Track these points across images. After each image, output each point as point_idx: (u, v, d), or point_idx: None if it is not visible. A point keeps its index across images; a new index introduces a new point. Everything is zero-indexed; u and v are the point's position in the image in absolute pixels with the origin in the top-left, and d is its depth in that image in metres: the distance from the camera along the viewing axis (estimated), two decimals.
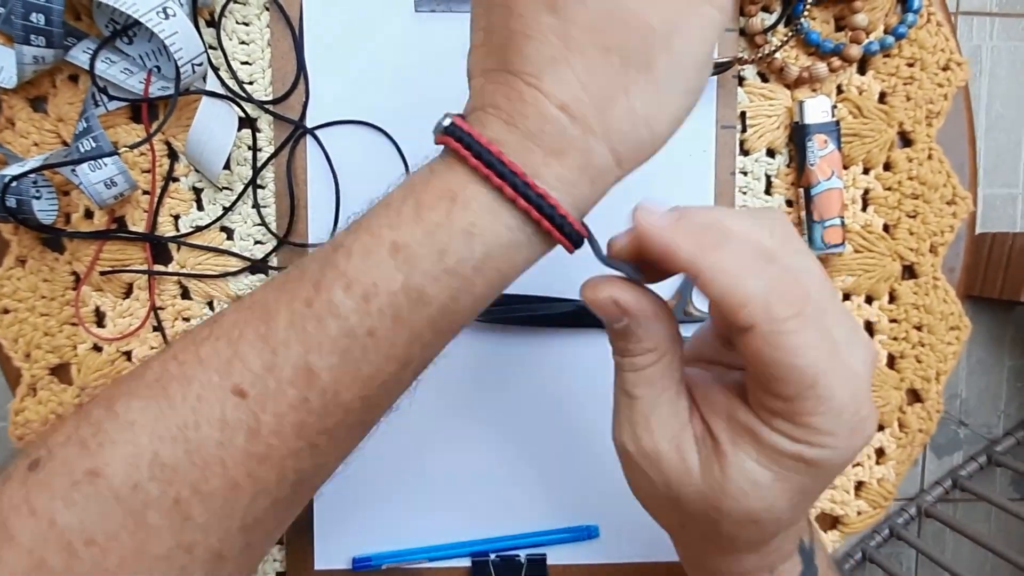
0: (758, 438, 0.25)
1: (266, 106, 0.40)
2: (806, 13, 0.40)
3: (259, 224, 0.40)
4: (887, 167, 0.42)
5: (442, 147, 0.25)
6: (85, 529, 0.23)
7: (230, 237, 0.41)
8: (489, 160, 0.24)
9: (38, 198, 0.38)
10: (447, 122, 0.25)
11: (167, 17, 0.35)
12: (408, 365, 0.26)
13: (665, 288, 0.42)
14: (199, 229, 0.40)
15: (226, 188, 0.40)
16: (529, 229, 0.25)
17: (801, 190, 0.41)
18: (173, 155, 0.40)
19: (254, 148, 0.40)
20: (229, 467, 0.24)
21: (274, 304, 0.25)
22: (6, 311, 0.40)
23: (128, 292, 0.40)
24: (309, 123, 0.40)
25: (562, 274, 0.41)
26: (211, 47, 0.39)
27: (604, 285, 0.27)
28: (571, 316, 0.41)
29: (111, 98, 0.38)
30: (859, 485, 0.44)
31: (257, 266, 0.40)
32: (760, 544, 0.28)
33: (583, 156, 0.25)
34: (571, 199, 0.25)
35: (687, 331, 0.42)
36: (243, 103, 0.39)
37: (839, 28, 0.42)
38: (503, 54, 0.25)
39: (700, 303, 0.42)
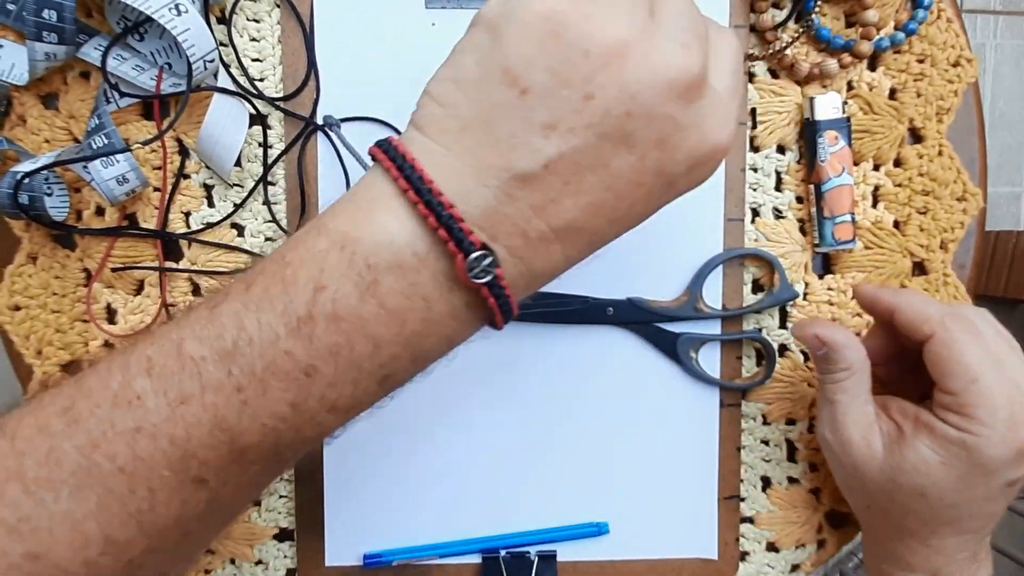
0: (932, 428, 0.34)
1: (278, 103, 0.40)
2: (817, 9, 0.40)
3: (270, 221, 0.40)
4: (897, 163, 0.42)
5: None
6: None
7: (241, 234, 0.41)
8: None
9: (50, 195, 0.38)
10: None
11: (179, 14, 0.35)
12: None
13: (677, 284, 0.42)
14: (210, 226, 0.40)
15: (237, 185, 0.40)
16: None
17: (811, 186, 0.41)
18: (184, 152, 0.40)
19: (265, 145, 0.40)
20: (184, 525, 0.25)
21: (233, 415, 0.24)
22: (18, 308, 0.40)
23: (139, 289, 0.40)
24: (319, 120, 0.40)
25: (573, 271, 0.41)
26: (222, 44, 0.39)
27: (809, 325, 0.37)
28: (583, 313, 0.41)
29: (123, 95, 0.39)
30: None
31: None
32: (928, 529, 0.35)
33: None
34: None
35: (699, 326, 0.42)
36: (254, 100, 0.39)
37: (850, 24, 0.42)
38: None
39: (709, 300, 0.42)
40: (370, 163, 0.26)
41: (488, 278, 0.23)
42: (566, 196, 0.24)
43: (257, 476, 0.26)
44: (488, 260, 0.23)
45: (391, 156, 0.24)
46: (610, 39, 0.23)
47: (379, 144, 0.25)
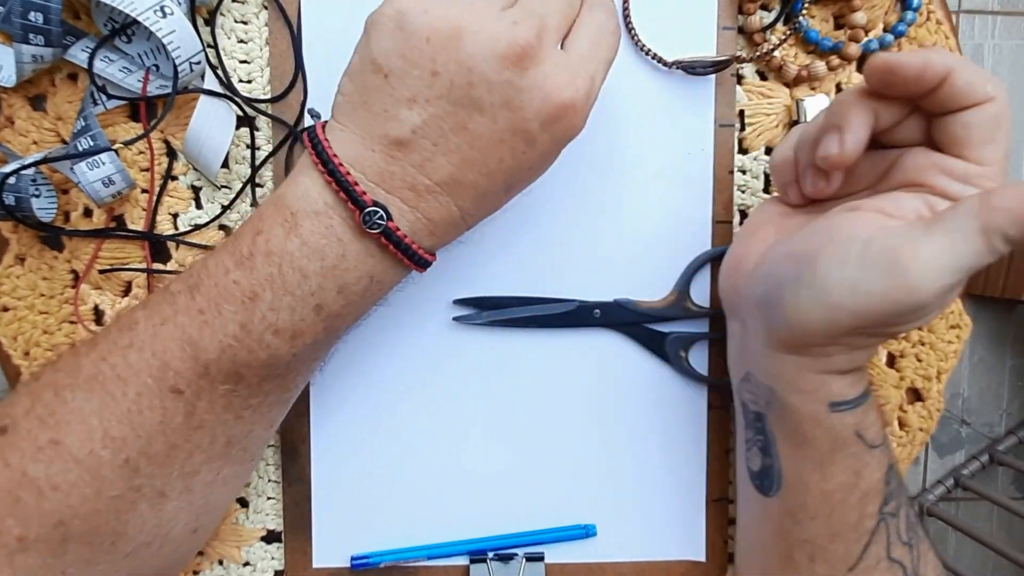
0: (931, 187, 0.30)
1: (264, 107, 0.40)
2: (805, 11, 0.40)
3: None
4: None
5: None
6: (51, 478, 0.30)
7: (228, 235, 0.41)
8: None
9: (37, 196, 0.38)
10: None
11: (165, 16, 0.35)
12: (315, 362, 0.35)
13: (664, 284, 0.42)
14: (198, 227, 0.40)
15: (225, 186, 0.40)
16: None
17: None
18: (172, 153, 0.40)
19: (252, 147, 0.40)
20: (169, 435, 0.31)
21: (195, 331, 0.30)
22: (5, 309, 0.40)
23: (127, 290, 0.40)
24: (308, 121, 0.40)
25: (560, 275, 0.41)
26: (209, 46, 0.39)
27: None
28: (569, 316, 0.41)
29: (110, 97, 0.39)
30: None
31: None
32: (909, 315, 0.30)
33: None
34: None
35: (687, 325, 0.42)
36: (241, 102, 0.39)
37: (838, 26, 0.42)
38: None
39: (697, 299, 0.42)
40: None
41: (380, 229, 0.30)
42: (438, 155, 0.30)
43: (228, 398, 0.32)
44: (379, 215, 0.30)
45: (310, 137, 0.31)
46: (444, 25, 0.28)
47: (306, 128, 0.32)
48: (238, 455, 0.35)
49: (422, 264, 0.32)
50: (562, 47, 0.31)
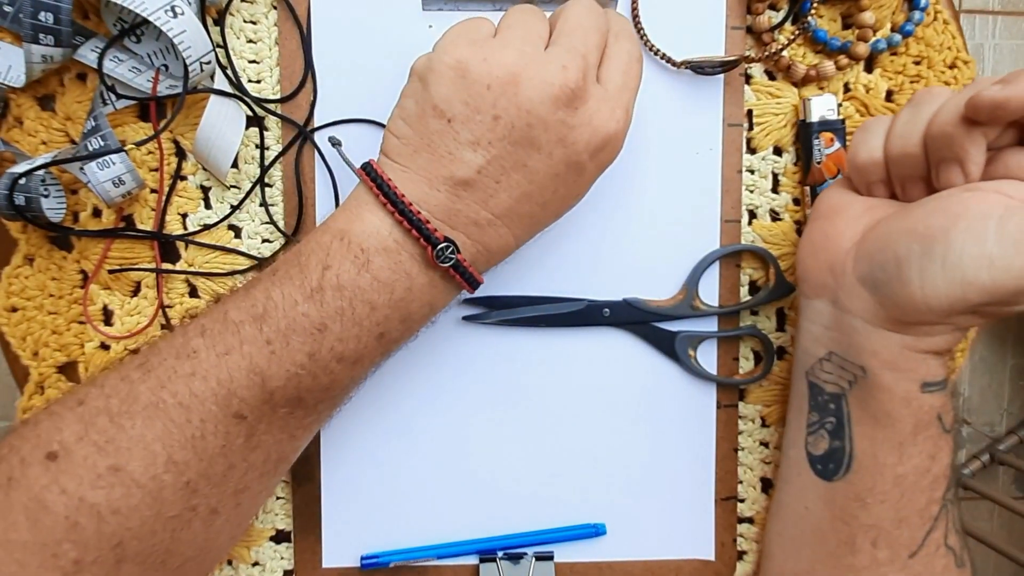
0: None
1: (273, 107, 0.40)
2: (813, 11, 0.40)
3: (267, 222, 0.40)
4: None
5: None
6: (111, 503, 0.30)
7: (238, 235, 0.41)
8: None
9: (46, 196, 0.38)
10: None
11: (175, 16, 0.35)
12: (364, 377, 0.35)
13: (673, 284, 0.42)
14: (207, 227, 0.40)
15: (234, 186, 0.40)
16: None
17: (808, 188, 0.41)
18: (181, 153, 0.40)
19: (262, 147, 0.40)
20: (229, 456, 0.32)
21: (263, 361, 0.31)
22: (14, 309, 0.40)
23: (136, 290, 0.40)
24: (317, 121, 0.40)
25: (569, 274, 0.41)
26: (219, 46, 0.39)
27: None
28: (578, 315, 0.41)
29: (119, 97, 0.39)
30: None
31: (265, 264, 0.40)
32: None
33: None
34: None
35: (696, 324, 0.42)
36: (251, 102, 0.39)
37: (846, 26, 0.42)
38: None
39: (706, 298, 0.42)
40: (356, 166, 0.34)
41: (451, 263, 0.32)
42: (500, 191, 0.32)
43: (286, 420, 0.33)
44: (450, 249, 0.31)
45: (371, 175, 0.32)
46: (503, 73, 0.31)
47: (363, 167, 0.33)
48: (283, 468, 0.36)
49: (476, 286, 0.34)
50: (597, 79, 0.33)
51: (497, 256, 0.34)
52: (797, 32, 0.40)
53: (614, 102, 0.33)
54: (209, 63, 0.37)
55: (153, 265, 0.40)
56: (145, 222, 0.40)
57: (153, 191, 0.40)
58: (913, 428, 0.34)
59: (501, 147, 0.31)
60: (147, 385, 0.31)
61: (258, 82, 0.40)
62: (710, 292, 0.42)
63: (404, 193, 0.31)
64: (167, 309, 0.40)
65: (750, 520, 0.44)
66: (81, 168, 0.37)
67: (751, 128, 0.42)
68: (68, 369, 0.40)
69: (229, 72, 0.39)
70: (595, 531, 0.42)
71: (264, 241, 0.41)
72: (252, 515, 0.37)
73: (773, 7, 0.41)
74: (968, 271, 0.30)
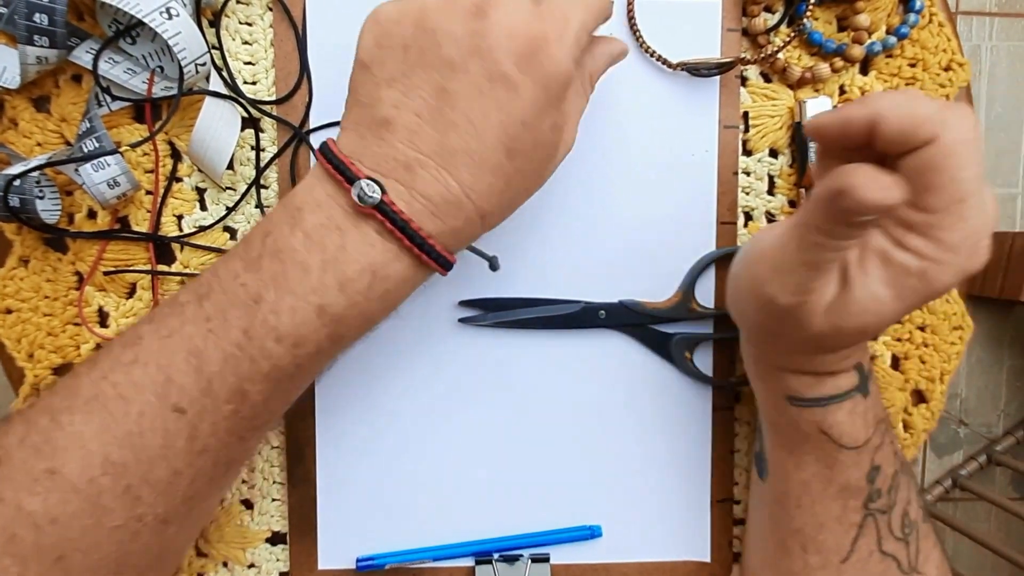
0: (888, 259, 0.29)
1: (269, 108, 0.40)
2: (808, 13, 0.40)
3: None
4: None
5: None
6: (48, 511, 0.28)
7: (233, 237, 0.41)
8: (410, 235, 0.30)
9: (41, 198, 0.38)
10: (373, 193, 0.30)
11: (170, 17, 0.35)
12: (320, 371, 0.35)
13: (669, 286, 0.42)
14: (202, 229, 0.40)
15: (229, 188, 0.40)
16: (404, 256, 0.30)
17: (803, 190, 0.41)
18: (176, 155, 0.40)
19: (257, 148, 0.40)
20: (171, 460, 0.30)
21: (200, 341, 0.29)
22: (9, 311, 0.40)
23: (131, 292, 0.40)
24: (313, 123, 0.40)
25: (565, 276, 0.41)
26: (214, 47, 0.39)
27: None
28: (574, 317, 0.41)
29: (114, 98, 0.38)
30: None
31: None
32: (844, 348, 0.32)
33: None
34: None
35: (691, 327, 0.42)
36: (246, 104, 0.39)
37: (841, 28, 0.42)
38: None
39: (702, 300, 0.42)
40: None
41: (374, 201, 0.29)
42: (424, 126, 0.29)
43: (232, 420, 0.30)
44: (371, 186, 0.29)
45: (320, 148, 0.31)
46: (412, 7, 0.29)
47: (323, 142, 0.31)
48: (236, 470, 0.35)
49: (426, 250, 0.30)
50: None
51: (443, 208, 0.30)
52: (793, 34, 0.40)
53: (543, 5, 0.29)
54: (204, 65, 0.37)
55: (148, 267, 0.40)
56: (140, 224, 0.40)
57: (148, 193, 0.40)
58: (799, 438, 0.34)
59: (415, 75, 0.29)
60: (90, 377, 0.29)
61: (254, 84, 0.40)
62: (706, 294, 0.42)
63: (340, 150, 0.30)
64: None
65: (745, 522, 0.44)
66: (76, 170, 0.37)
67: (747, 130, 0.42)
68: (63, 371, 0.40)
69: (224, 74, 0.39)
70: (591, 533, 0.42)
71: None
72: (209, 517, 0.36)
73: (769, 9, 0.41)
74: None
